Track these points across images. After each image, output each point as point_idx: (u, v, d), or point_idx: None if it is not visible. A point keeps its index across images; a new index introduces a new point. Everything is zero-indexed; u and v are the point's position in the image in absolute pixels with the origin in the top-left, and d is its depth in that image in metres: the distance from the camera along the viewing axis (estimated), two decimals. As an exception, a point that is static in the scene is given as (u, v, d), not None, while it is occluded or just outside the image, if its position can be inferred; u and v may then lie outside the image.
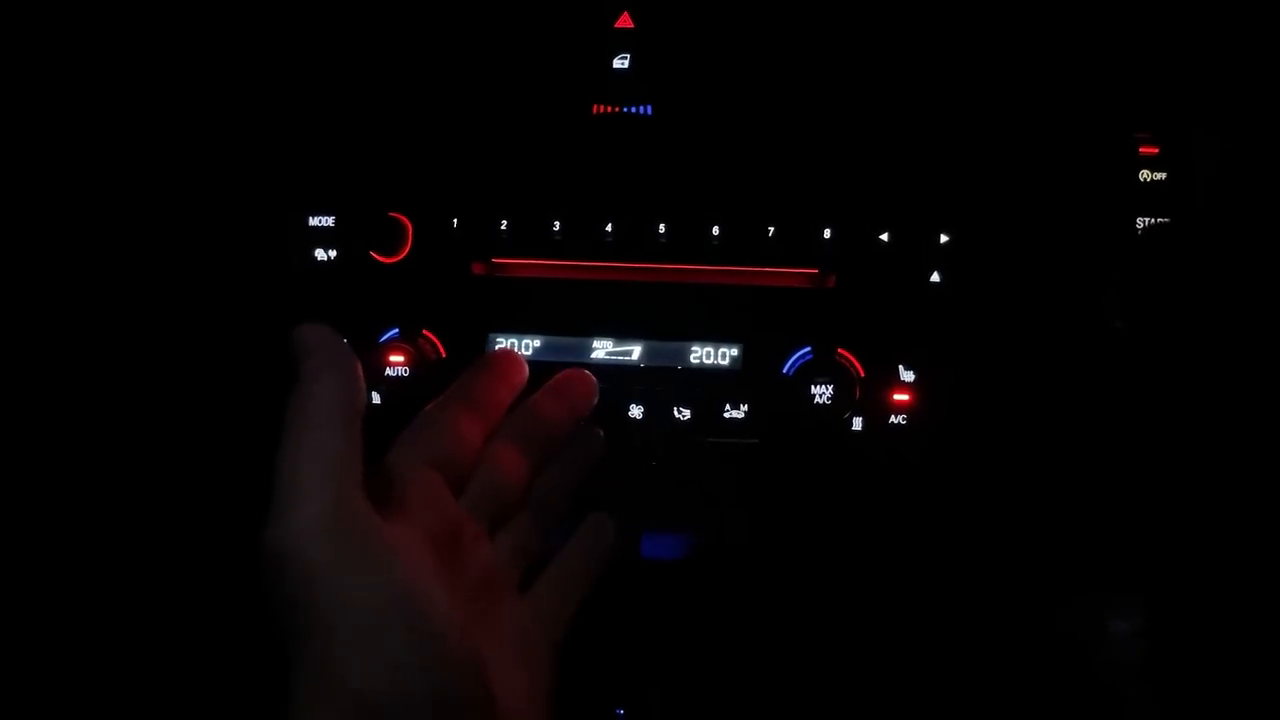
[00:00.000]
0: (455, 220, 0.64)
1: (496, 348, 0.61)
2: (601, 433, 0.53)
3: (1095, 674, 0.65)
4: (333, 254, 0.65)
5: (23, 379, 0.68)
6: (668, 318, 0.63)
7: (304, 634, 0.32)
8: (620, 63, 0.62)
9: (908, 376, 0.61)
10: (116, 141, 0.66)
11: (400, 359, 0.63)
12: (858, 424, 0.61)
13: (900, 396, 0.61)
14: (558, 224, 0.63)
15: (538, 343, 0.64)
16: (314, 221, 0.65)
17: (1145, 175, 0.59)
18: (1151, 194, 0.59)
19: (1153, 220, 0.59)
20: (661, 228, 0.62)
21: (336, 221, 0.65)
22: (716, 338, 0.63)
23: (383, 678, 0.32)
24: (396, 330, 0.64)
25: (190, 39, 0.65)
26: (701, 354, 0.63)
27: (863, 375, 0.61)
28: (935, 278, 0.61)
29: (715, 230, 0.62)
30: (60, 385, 0.69)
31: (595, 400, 0.51)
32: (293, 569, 0.32)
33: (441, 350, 0.64)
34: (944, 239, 0.60)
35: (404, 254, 0.64)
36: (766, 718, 0.67)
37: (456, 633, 0.35)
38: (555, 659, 0.44)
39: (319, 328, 0.38)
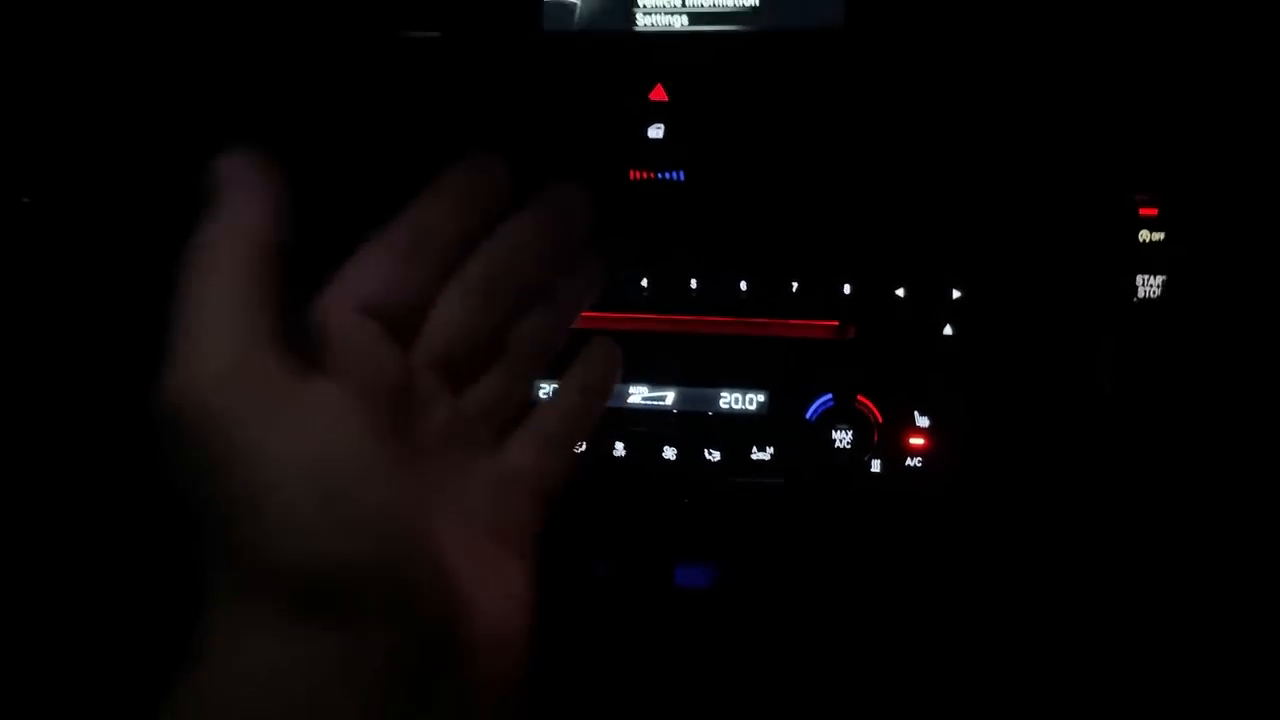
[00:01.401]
0: None
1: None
2: (599, 263, 0.43)
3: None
4: None
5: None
6: (699, 366, 0.68)
7: (208, 508, 0.27)
8: (655, 132, 0.67)
9: (923, 422, 0.65)
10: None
11: None
12: (876, 466, 0.66)
13: (916, 441, 0.65)
14: None
15: None
16: None
17: (1145, 235, 0.63)
18: (1151, 254, 0.63)
19: (1151, 280, 0.63)
20: (693, 282, 0.67)
21: None
22: (744, 385, 0.67)
23: (306, 558, 0.26)
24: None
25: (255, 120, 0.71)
26: (730, 400, 0.68)
27: (880, 421, 0.65)
28: (948, 330, 0.65)
29: (743, 285, 0.67)
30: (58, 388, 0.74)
31: (589, 220, 0.41)
32: (193, 428, 0.27)
33: None
34: (956, 294, 0.65)
35: None
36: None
37: (401, 504, 0.29)
38: (535, 521, 0.38)
39: (239, 157, 0.32)
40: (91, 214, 0.74)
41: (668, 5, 0.68)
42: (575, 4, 0.69)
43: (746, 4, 0.67)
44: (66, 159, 0.74)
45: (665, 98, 0.67)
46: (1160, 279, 0.63)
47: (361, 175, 0.71)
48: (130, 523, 0.75)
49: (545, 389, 0.69)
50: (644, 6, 0.68)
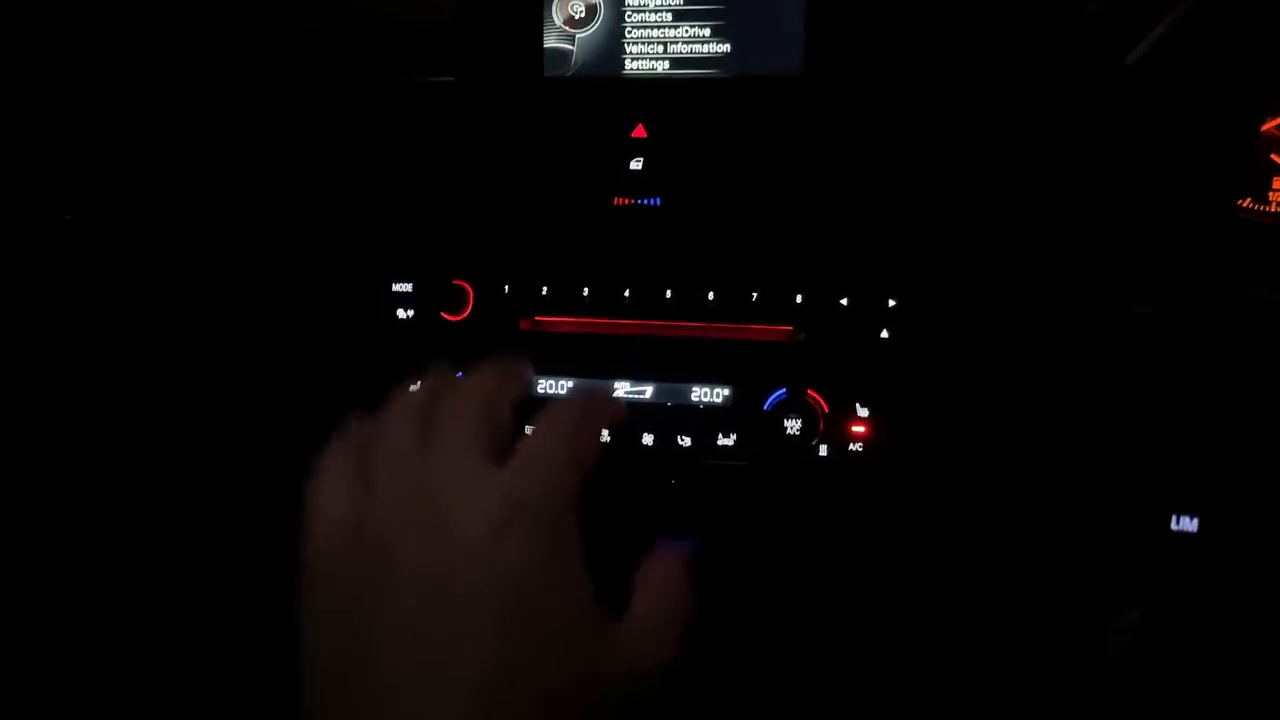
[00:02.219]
0: (506, 287, 0.79)
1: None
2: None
3: (1081, 666, 0.76)
4: (411, 313, 0.81)
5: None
6: (673, 364, 0.77)
7: None
8: (636, 164, 0.76)
9: (863, 413, 0.75)
10: (250, 226, 0.83)
11: None
12: (824, 450, 0.75)
13: (858, 429, 0.75)
14: (586, 290, 0.78)
15: (570, 384, 0.79)
16: (396, 288, 0.81)
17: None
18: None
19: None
20: (668, 293, 0.77)
21: (414, 287, 0.81)
22: (712, 380, 0.76)
23: None
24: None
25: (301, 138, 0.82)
26: (700, 393, 0.77)
27: (827, 411, 0.75)
28: (885, 334, 0.74)
29: (711, 295, 0.76)
30: (169, 425, 0.82)
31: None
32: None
33: None
34: (892, 303, 0.74)
35: (466, 313, 0.80)
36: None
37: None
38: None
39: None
40: (131, 231, 0.82)
41: (652, 52, 0.77)
42: (572, 50, 0.78)
43: (719, 51, 0.76)
44: (108, 178, 0.81)
45: (645, 135, 0.77)
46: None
47: (388, 203, 0.82)
48: (146, 527, 0.82)
49: (545, 385, 0.79)
50: (631, 54, 0.77)
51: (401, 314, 0.81)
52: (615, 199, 0.77)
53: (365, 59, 0.81)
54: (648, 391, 0.78)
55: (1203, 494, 0.70)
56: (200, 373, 0.84)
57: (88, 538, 0.80)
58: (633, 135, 0.77)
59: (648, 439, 0.77)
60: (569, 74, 0.78)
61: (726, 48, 0.76)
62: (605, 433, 0.77)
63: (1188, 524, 0.69)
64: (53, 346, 0.79)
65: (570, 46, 0.78)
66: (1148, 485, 0.71)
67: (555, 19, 0.77)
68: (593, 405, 0.42)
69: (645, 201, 0.77)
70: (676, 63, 0.77)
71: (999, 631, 0.77)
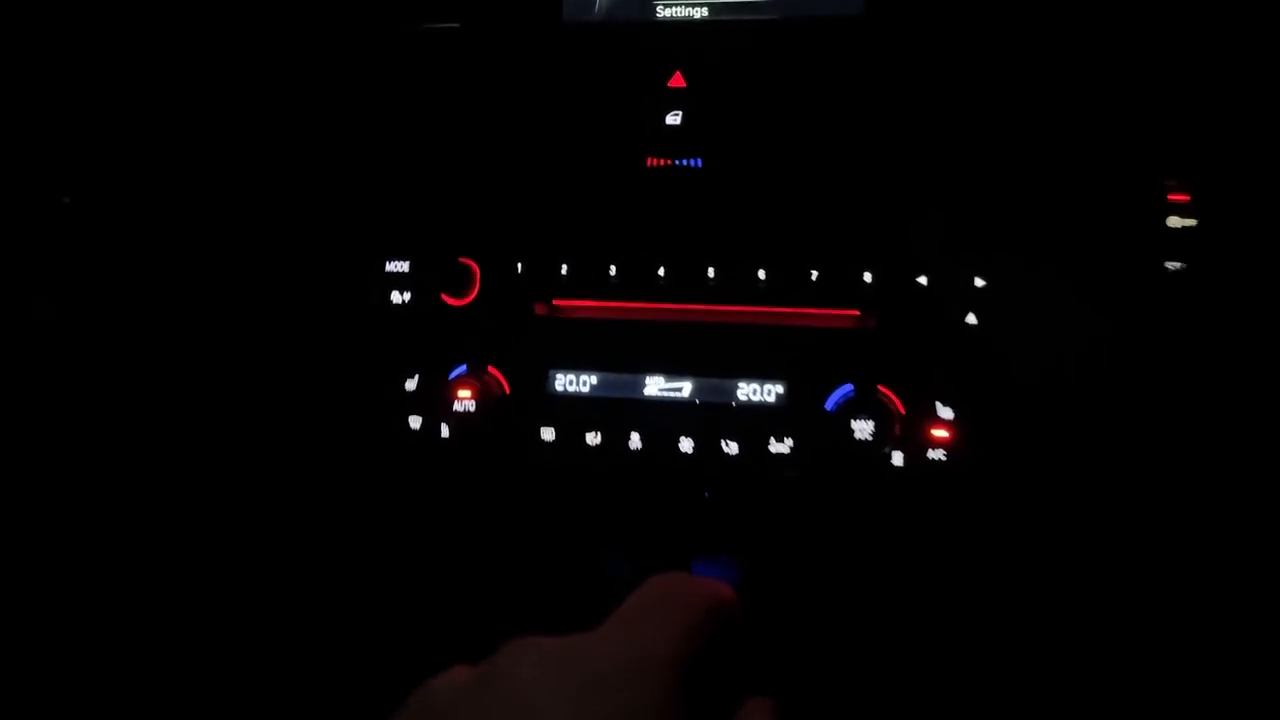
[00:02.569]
0: (519, 265, 0.69)
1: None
2: None
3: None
4: (407, 297, 0.71)
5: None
6: (716, 356, 0.67)
7: None
8: (673, 119, 0.67)
9: (946, 413, 0.64)
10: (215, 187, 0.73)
11: (467, 394, 0.68)
12: (898, 459, 0.64)
13: (939, 433, 0.64)
14: (614, 268, 0.68)
15: (594, 379, 0.68)
16: (391, 267, 0.71)
17: (1175, 222, 0.62)
18: (1180, 240, 0.61)
19: (1180, 266, 0.61)
20: (710, 271, 0.67)
21: (411, 266, 0.71)
22: (762, 375, 0.66)
23: None
24: (464, 367, 0.69)
25: (284, 99, 0.72)
26: (748, 391, 0.66)
27: (903, 412, 0.64)
28: (971, 319, 0.64)
29: (761, 273, 0.66)
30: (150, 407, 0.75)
31: None
32: None
33: (505, 386, 0.69)
34: (979, 282, 0.63)
35: (472, 296, 0.70)
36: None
37: None
38: None
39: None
40: (130, 214, 0.75)
41: None
42: None
43: None
44: (105, 160, 0.75)
45: (683, 84, 0.67)
46: (1187, 265, 0.61)
47: (382, 166, 0.72)
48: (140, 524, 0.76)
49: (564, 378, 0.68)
50: None
51: (396, 297, 0.71)
52: (648, 160, 0.68)
53: (358, 3, 0.72)
54: (686, 388, 0.67)
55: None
56: (188, 362, 0.76)
57: (77, 525, 0.76)
58: (669, 84, 0.67)
59: (686, 445, 0.66)
60: (592, 19, 0.70)
61: None
62: (636, 437, 0.66)
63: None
64: (45, 329, 0.75)
65: None
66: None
67: (576, -45, 0.68)
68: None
69: (684, 162, 0.67)
70: (717, 7, 0.68)
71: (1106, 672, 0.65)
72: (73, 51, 0.73)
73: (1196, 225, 0.61)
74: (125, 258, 0.75)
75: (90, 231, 0.75)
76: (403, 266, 0.71)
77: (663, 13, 0.69)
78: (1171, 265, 0.61)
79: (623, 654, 0.31)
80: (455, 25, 0.71)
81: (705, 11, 0.68)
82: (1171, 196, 0.61)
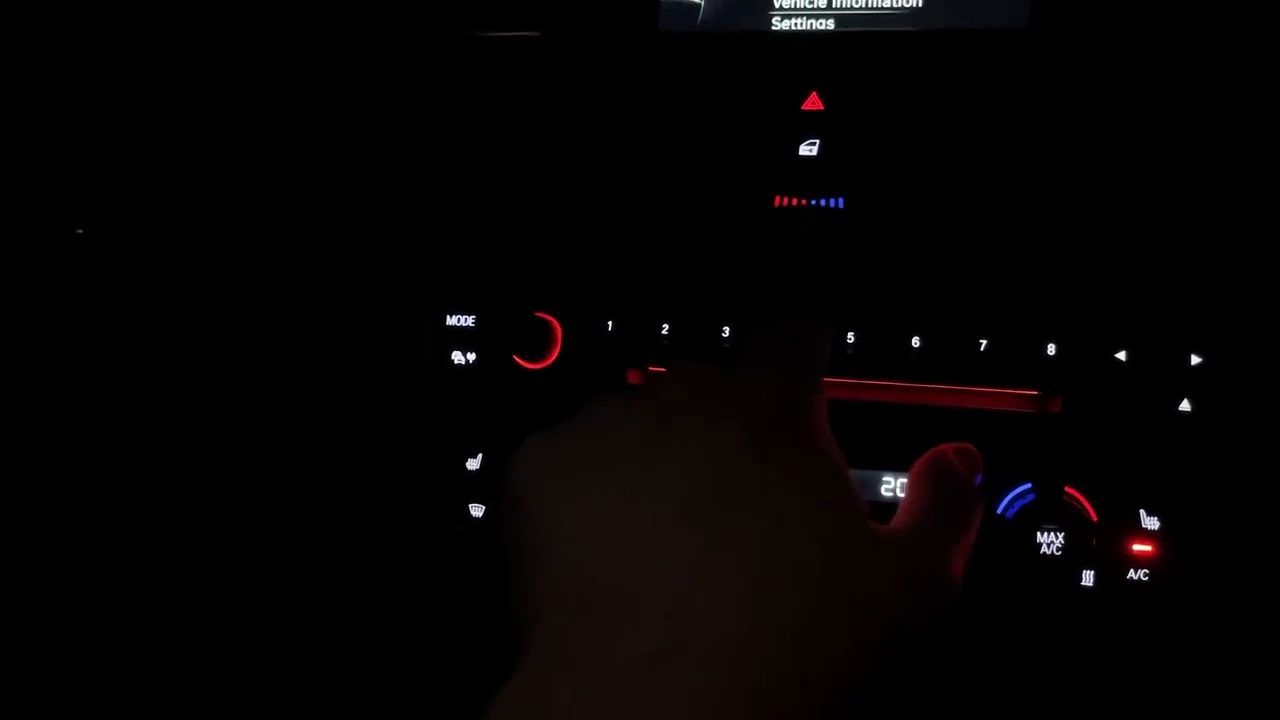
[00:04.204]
0: (610, 323, 0.59)
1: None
2: None
3: None
4: (472, 357, 0.61)
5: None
6: (856, 442, 0.55)
7: None
8: (808, 149, 0.56)
9: (1151, 523, 0.53)
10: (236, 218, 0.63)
11: None
12: (1089, 579, 0.53)
13: (1141, 547, 0.53)
14: (727, 330, 0.57)
15: None
16: (452, 321, 0.61)
17: None
18: None
19: None
20: (851, 337, 0.56)
21: (478, 321, 0.61)
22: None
23: None
24: None
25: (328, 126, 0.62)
26: (896, 486, 0.56)
27: (1096, 520, 0.53)
28: (1185, 405, 0.53)
29: (915, 341, 0.55)
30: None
31: None
32: None
33: None
34: (1195, 360, 0.52)
35: (551, 359, 0.60)
36: None
37: None
38: None
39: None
40: (143, 244, 0.68)
41: (810, 6, 0.58)
42: (698, 4, 0.60)
43: (907, 4, 0.57)
44: (118, 190, 0.67)
45: (820, 106, 0.56)
46: None
47: (446, 199, 0.62)
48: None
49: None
50: (782, 6, 0.58)
51: (459, 358, 0.61)
52: (776, 198, 0.57)
53: (427, 7, 0.63)
54: None
55: None
56: (225, 439, 0.68)
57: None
58: (804, 107, 0.56)
59: None
60: (695, 29, 0.60)
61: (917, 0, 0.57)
62: None
63: None
64: (60, 369, 0.70)
65: None
66: None
67: (680, -47, 0.58)
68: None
69: (821, 202, 0.57)
70: (846, 20, 0.58)
71: None
72: (113, 84, 0.67)
73: None
74: (144, 307, 0.68)
75: (125, 276, 0.69)
76: (468, 321, 0.61)
77: (780, 24, 0.59)
78: None
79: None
80: (535, 34, 0.61)
81: (832, 23, 0.58)
82: None
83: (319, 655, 0.68)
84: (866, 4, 0.57)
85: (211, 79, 0.65)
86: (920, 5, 0.56)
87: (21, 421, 0.68)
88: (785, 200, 0.56)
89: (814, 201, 0.56)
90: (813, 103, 0.56)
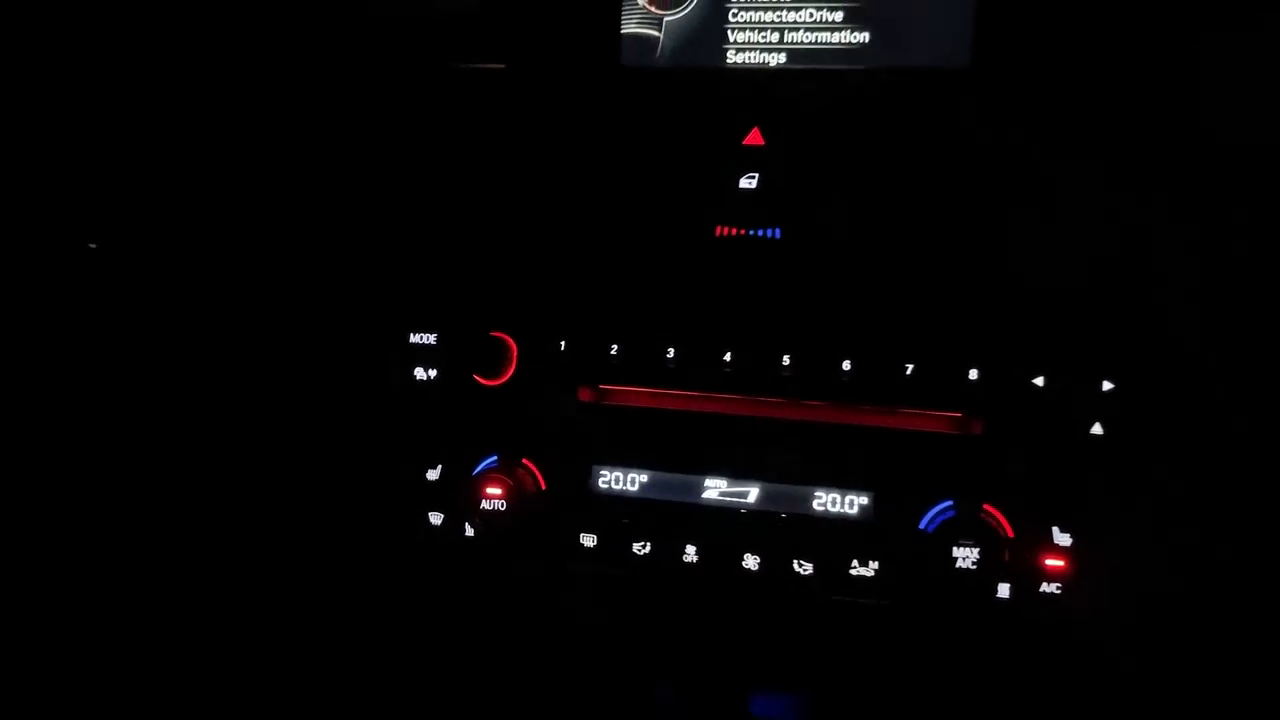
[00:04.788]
0: (562, 343, 0.63)
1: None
2: None
3: None
4: (433, 374, 0.65)
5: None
6: (789, 459, 0.61)
7: None
8: (747, 182, 0.60)
9: (1063, 540, 0.56)
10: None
11: (498, 491, 0.61)
12: (1004, 591, 0.57)
13: (1054, 562, 0.56)
14: (672, 351, 0.61)
15: (645, 478, 0.62)
16: (415, 339, 0.65)
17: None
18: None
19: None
20: (786, 359, 0.60)
21: (439, 340, 0.64)
22: (844, 484, 0.60)
23: None
24: (495, 458, 0.63)
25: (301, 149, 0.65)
26: (827, 501, 0.59)
27: (1011, 536, 0.56)
28: (1097, 429, 0.56)
29: (846, 365, 0.59)
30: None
31: None
32: None
33: (541, 482, 0.63)
34: (1107, 385, 0.56)
35: (506, 377, 0.64)
36: None
37: None
38: None
39: None
40: (155, 259, 0.71)
41: (764, 40, 0.61)
42: (658, 36, 0.63)
43: (855, 40, 0.60)
44: (132, 207, 0.71)
45: (761, 141, 0.59)
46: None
47: (410, 224, 0.65)
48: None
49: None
50: (736, 41, 0.61)
51: (421, 374, 0.65)
52: (718, 228, 0.61)
53: (396, 38, 0.66)
54: (752, 495, 0.61)
55: None
56: (198, 438, 0.72)
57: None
58: (744, 142, 0.60)
59: (750, 561, 0.60)
60: (654, 64, 0.63)
61: (865, 36, 0.61)
62: (692, 550, 0.59)
63: None
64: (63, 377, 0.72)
65: (656, 32, 0.64)
66: None
67: (638, -2, 0.62)
68: None
69: (759, 233, 0.60)
70: (797, 55, 0.61)
71: None
72: (104, 93, 0.70)
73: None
74: (135, 317, 0.71)
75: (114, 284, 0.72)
76: (429, 339, 0.65)
77: (734, 58, 0.62)
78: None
79: None
80: (499, 66, 0.64)
81: (783, 58, 0.61)
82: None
83: (286, 656, 0.71)
84: (816, 40, 0.60)
85: (188, 103, 0.68)
86: (866, 42, 0.59)
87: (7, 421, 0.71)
88: (725, 230, 0.59)
89: (752, 232, 0.59)
90: (754, 138, 0.59)
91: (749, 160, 0.59)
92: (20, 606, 0.72)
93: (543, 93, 0.64)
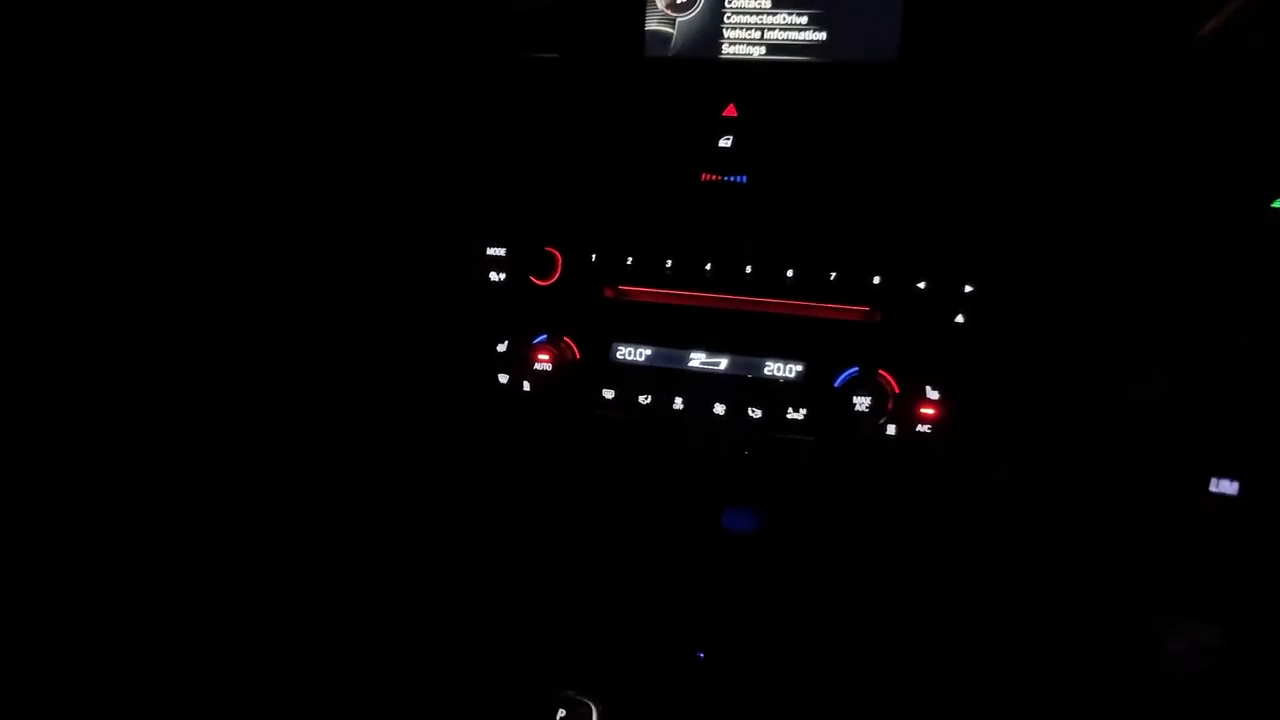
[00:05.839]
0: (594, 255, 0.83)
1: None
2: None
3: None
4: (503, 276, 0.85)
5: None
6: (748, 338, 0.80)
7: None
8: (724, 143, 0.79)
9: (933, 395, 0.76)
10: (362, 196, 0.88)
11: (546, 357, 0.82)
12: (891, 429, 0.76)
13: (926, 410, 0.76)
14: (669, 262, 0.81)
15: (648, 351, 0.82)
16: (491, 251, 0.85)
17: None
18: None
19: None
20: (748, 269, 0.79)
21: (508, 252, 0.85)
22: (785, 356, 0.79)
23: None
24: (545, 335, 0.83)
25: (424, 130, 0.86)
26: (773, 368, 0.79)
27: (897, 391, 0.76)
28: (960, 319, 0.75)
29: (789, 272, 0.78)
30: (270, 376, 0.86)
31: None
32: None
33: (576, 353, 0.83)
34: (969, 289, 0.75)
35: (554, 279, 0.83)
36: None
37: None
38: None
39: None
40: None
41: (749, 37, 0.79)
42: (672, 33, 0.81)
43: (815, 38, 0.78)
44: (237, 152, 0.84)
45: (735, 114, 0.79)
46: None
47: (489, 171, 0.85)
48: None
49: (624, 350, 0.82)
50: (729, 38, 0.79)
51: (494, 276, 0.85)
52: (703, 175, 0.79)
53: (474, 38, 0.84)
54: (723, 363, 0.80)
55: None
56: (321, 323, 0.89)
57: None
58: (724, 114, 0.79)
59: (719, 408, 0.80)
60: (668, 55, 0.81)
61: (823, 35, 0.78)
62: (679, 400, 0.80)
63: (1227, 487, 0.68)
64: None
65: (670, 29, 0.80)
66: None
67: (658, 2, 0.80)
68: None
69: (731, 178, 0.79)
70: (773, 48, 0.79)
71: (1045, 624, 0.77)
72: (188, 77, 0.78)
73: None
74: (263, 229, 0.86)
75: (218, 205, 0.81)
76: (500, 251, 0.84)
77: (727, 50, 0.80)
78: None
79: None
80: (554, 56, 0.82)
81: (763, 51, 0.79)
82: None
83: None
84: (787, 37, 0.78)
85: (299, 73, 0.82)
86: (825, 39, 0.78)
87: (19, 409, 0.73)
88: (708, 176, 0.80)
89: (727, 178, 0.80)
90: (730, 111, 0.79)
91: (726, 127, 0.78)
92: (48, 573, 0.73)
93: (583, 76, 0.81)
